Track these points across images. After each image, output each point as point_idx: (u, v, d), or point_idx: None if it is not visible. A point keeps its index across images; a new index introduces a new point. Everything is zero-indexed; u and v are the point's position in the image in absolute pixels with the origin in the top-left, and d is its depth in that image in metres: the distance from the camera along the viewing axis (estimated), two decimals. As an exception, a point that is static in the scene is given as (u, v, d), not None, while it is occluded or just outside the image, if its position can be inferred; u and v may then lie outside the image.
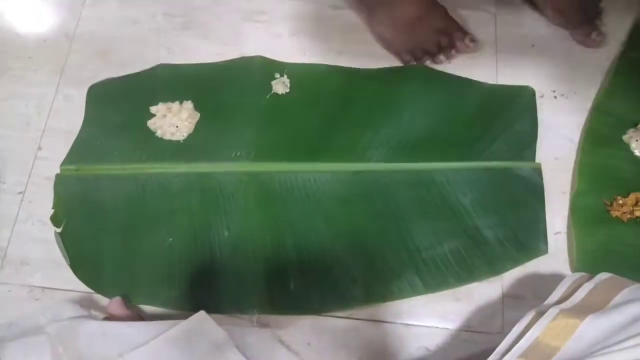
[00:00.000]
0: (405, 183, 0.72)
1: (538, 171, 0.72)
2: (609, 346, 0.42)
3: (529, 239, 0.68)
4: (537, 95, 0.77)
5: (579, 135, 0.76)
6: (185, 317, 0.57)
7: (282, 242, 0.69)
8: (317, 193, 0.72)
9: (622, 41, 0.80)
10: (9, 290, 0.69)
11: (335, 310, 0.66)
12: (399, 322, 0.66)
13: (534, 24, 0.83)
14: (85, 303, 0.61)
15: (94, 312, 0.59)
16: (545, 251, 0.68)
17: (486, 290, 0.67)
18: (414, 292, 0.66)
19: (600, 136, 0.75)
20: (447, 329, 0.66)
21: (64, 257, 0.69)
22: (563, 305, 0.49)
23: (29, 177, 0.76)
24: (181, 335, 0.48)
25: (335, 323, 0.66)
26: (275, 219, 0.70)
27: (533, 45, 0.82)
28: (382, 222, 0.70)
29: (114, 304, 0.61)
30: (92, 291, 0.68)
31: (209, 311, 0.54)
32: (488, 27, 0.83)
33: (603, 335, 0.44)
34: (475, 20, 0.84)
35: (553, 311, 0.48)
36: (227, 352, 0.48)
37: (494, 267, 0.67)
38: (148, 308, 0.67)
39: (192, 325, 0.49)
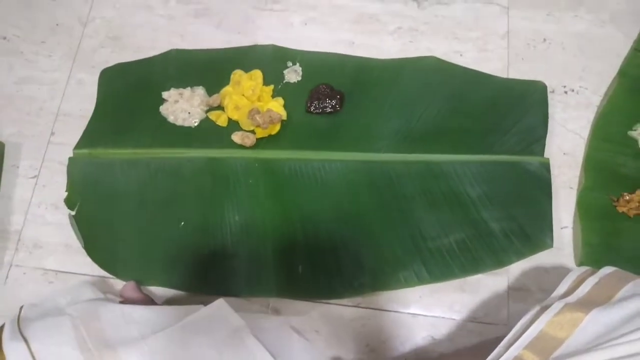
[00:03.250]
0: (414, 174, 0.72)
1: (546, 166, 0.72)
2: (613, 339, 0.43)
3: (535, 232, 0.69)
4: (548, 90, 0.77)
5: (588, 131, 0.76)
6: (196, 299, 0.59)
7: (291, 227, 0.70)
8: (326, 181, 0.73)
9: (634, 38, 0.80)
10: (24, 273, 0.71)
11: (343, 296, 0.68)
12: (406, 311, 0.68)
13: (546, 19, 0.83)
14: (99, 287, 0.63)
15: (109, 295, 0.60)
16: (551, 245, 0.68)
17: (492, 282, 0.68)
18: (420, 281, 0.67)
19: (608, 132, 0.75)
20: (454, 319, 0.67)
21: (78, 239, 0.70)
22: (568, 299, 0.50)
23: (43, 161, 0.77)
24: (201, 321, 0.49)
25: (343, 311, 0.68)
26: (285, 205, 0.71)
27: (545, 40, 0.82)
28: (389, 212, 0.71)
29: (129, 288, 0.62)
30: (104, 275, 0.69)
31: (219, 293, 0.56)
32: (500, 21, 0.83)
33: (607, 329, 0.45)
34: (487, 13, 0.84)
35: (558, 305, 0.49)
36: (245, 339, 0.49)
37: (499, 259, 0.68)
38: (159, 290, 0.69)
39: (211, 312, 0.50)
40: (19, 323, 0.47)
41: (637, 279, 0.50)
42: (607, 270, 0.52)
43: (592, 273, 0.52)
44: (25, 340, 0.45)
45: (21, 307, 0.52)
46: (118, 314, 0.49)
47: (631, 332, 0.43)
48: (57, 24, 0.86)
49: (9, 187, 0.76)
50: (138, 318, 0.49)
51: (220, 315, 0.50)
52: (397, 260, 0.68)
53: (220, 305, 0.51)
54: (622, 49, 0.80)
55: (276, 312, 0.67)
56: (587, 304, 0.48)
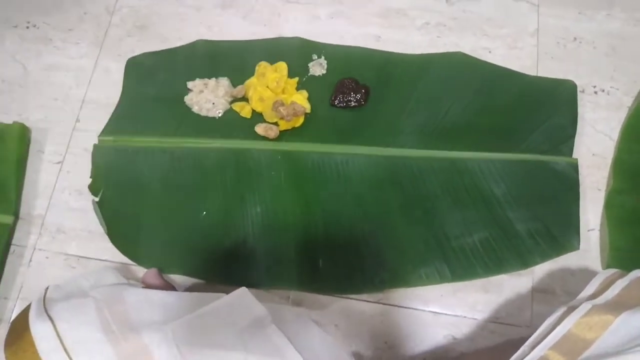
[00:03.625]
0: (438, 170, 0.72)
1: (575, 166, 0.71)
2: (645, 343, 0.42)
3: (561, 234, 0.67)
4: (578, 89, 0.76)
5: (618, 132, 0.75)
6: (216, 289, 0.59)
7: (312, 220, 0.70)
8: (349, 175, 0.72)
9: (669, 38, 0.79)
10: (47, 257, 0.72)
11: (363, 292, 0.67)
12: (427, 309, 0.67)
13: (577, 17, 0.82)
14: (121, 273, 0.63)
15: (132, 281, 0.61)
16: (577, 247, 0.67)
17: (516, 283, 0.67)
18: (442, 279, 0.66)
19: (639, 134, 0.73)
20: (475, 319, 0.66)
21: (101, 225, 0.71)
22: (596, 301, 0.49)
23: (68, 147, 0.78)
24: (224, 308, 0.49)
25: (363, 307, 0.67)
26: (306, 197, 0.71)
27: (575, 39, 0.80)
28: (412, 208, 0.70)
29: (151, 274, 0.62)
30: (126, 262, 0.70)
31: (240, 284, 0.55)
32: (530, 18, 0.82)
33: (638, 333, 0.44)
34: (517, 10, 0.82)
35: (586, 306, 0.48)
36: (266, 328, 0.48)
37: (523, 260, 0.67)
38: (180, 279, 0.69)
39: (234, 300, 0.50)
40: (45, 303, 0.48)
41: (669, 283, 0.49)
42: (637, 273, 0.51)
43: (621, 275, 0.51)
44: (51, 320, 0.45)
45: (46, 288, 0.52)
46: (142, 297, 0.49)
47: (664, 336, 0.42)
48: (85, 13, 0.87)
49: (34, 172, 0.77)
50: (161, 302, 0.49)
51: (242, 304, 0.50)
52: (419, 257, 0.67)
53: (242, 293, 0.51)
54: (656, 50, 0.79)
55: (296, 304, 0.67)
56: (617, 307, 0.47)
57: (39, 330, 0.44)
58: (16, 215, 0.73)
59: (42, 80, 0.82)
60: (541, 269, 0.68)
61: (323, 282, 0.67)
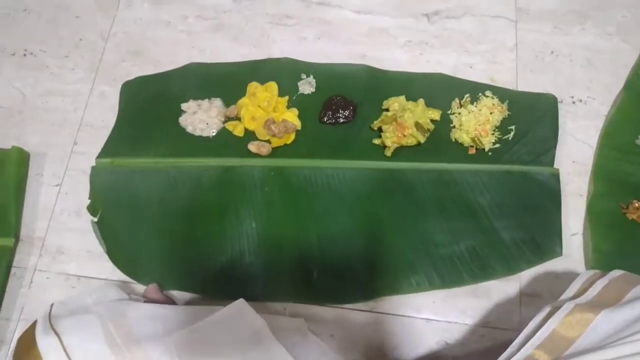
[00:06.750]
0: (426, 182, 0.74)
1: (556, 176, 0.74)
2: (622, 338, 0.44)
3: (544, 241, 0.70)
4: (557, 100, 0.79)
5: (596, 140, 0.78)
6: (214, 303, 0.60)
7: (306, 233, 0.72)
8: (340, 188, 0.75)
9: (641, 49, 0.83)
10: (47, 278, 0.73)
11: (357, 301, 0.69)
12: (420, 316, 0.69)
13: (553, 31, 0.85)
14: (122, 289, 0.65)
15: (133, 297, 0.62)
16: (560, 254, 0.69)
17: (504, 288, 0.70)
18: (432, 286, 0.69)
19: (616, 141, 0.77)
20: (466, 324, 0.68)
21: (101, 244, 0.72)
22: (578, 300, 0.51)
23: (66, 170, 0.80)
24: (224, 320, 0.51)
25: (357, 316, 0.69)
26: (300, 212, 0.73)
27: (552, 52, 0.84)
28: (401, 218, 0.72)
29: (151, 289, 0.64)
30: (125, 279, 0.71)
31: (237, 298, 0.57)
32: (508, 34, 0.86)
33: (617, 329, 0.46)
34: (495, 27, 0.86)
35: (569, 306, 0.49)
36: (265, 339, 0.50)
37: (509, 267, 0.69)
38: (179, 294, 0.70)
39: (233, 311, 0.52)
40: (51, 319, 0.49)
41: (645, 281, 0.51)
42: (616, 273, 0.53)
43: (602, 276, 0.53)
44: (58, 335, 0.47)
45: (52, 305, 0.54)
46: (143, 312, 0.51)
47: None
48: (80, 39, 0.89)
49: (33, 195, 0.78)
50: (163, 316, 0.51)
51: (241, 315, 0.52)
52: (409, 265, 0.69)
53: (241, 305, 0.53)
54: (629, 61, 0.82)
55: (293, 316, 0.68)
56: (597, 305, 0.49)
57: (46, 345, 0.46)
58: (16, 238, 0.75)
59: (39, 106, 0.84)
60: (528, 274, 0.70)
61: (318, 293, 0.69)
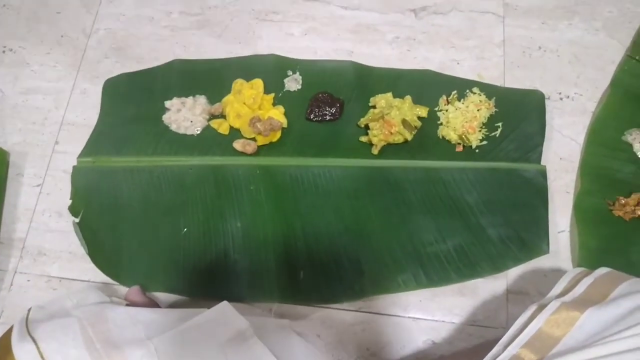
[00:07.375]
0: (413, 180, 0.74)
1: (543, 174, 0.74)
2: (608, 336, 0.44)
3: (531, 239, 0.70)
4: (545, 97, 0.79)
5: (583, 136, 0.78)
6: (199, 304, 0.60)
7: (292, 233, 0.71)
8: (327, 187, 0.74)
9: (627, 45, 0.82)
10: (28, 280, 0.72)
11: (344, 300, 0.68)
12: (407, 315, 0.68)
13: (541, 27, 0.85)
14: (103, 292, 0.63)
15: (115, 299, 0.61)
16: (547, 251, 0.69)
17: (491, 286, 0.69)
18: (418, 285, 0.68)
19: (603, 138, 0.76)
20: (454, 323, 0.68)
21: (82, 245, 0.71)
22: (564, 298, 0.51)
23: (47, 169, 0.78)
24: (206, 323, 0.50)
25: (344, 316, 0.68)
26: (286, 210, 0.72)
27: (540, 48, 0.84)
28: (388, 217, 0.72)
29: (133, 292, 0.63)
30: (108, 281, 0.70)
31: (222, 299, 0.56)
32: (496, 30, 0.85)
33: (602, 327, 0.46)
34: (483, 23, 0.86)
35: (555, 304, 0.49)
36: (248, 340, 0.50)
37: (496, 265, 0.69)
38: (162, 296, 0.69)
39: (215, 314, 0.51)
40: (27, 325, 0.48)
41: (631, 279, 0.51)
42: (602, 270, 0.53)
43: (588, 273, 0.53)
44: (34, 341, 0.45)
45: (29, 309, 0.53)
46: (124, 315, 0.50)
47: (625, 329, 0.44)
48: (61, 36, 0.88)
49: (13, 196, 0.77)
50: (144, 319, 0.50)
51: (224, 317, 0.51)
52: (396, 264, 0.69)
53: (224, 307, 0.52)
54: (616, 56, 0.82)
55: (279, 316, 0.68)
56: (583, 303, 0.49)
57: (22, 352, 0.45)
58: (-4, 240, 0.73)
59: (20, 104, 0.83)
60: (515, 272, 0.70)
61: (305, 293, 0.68)
